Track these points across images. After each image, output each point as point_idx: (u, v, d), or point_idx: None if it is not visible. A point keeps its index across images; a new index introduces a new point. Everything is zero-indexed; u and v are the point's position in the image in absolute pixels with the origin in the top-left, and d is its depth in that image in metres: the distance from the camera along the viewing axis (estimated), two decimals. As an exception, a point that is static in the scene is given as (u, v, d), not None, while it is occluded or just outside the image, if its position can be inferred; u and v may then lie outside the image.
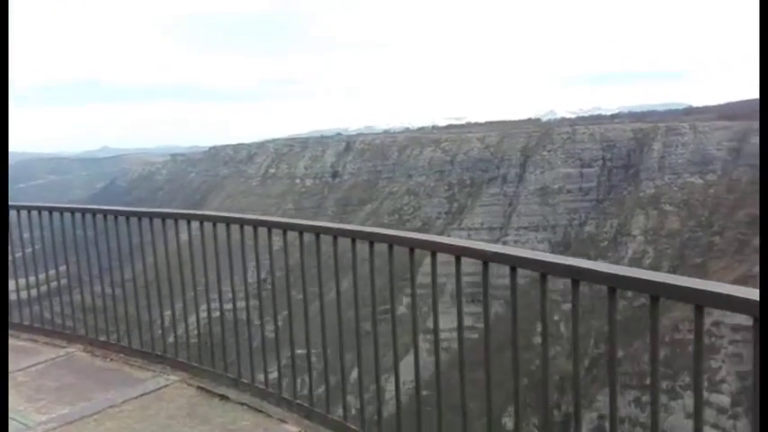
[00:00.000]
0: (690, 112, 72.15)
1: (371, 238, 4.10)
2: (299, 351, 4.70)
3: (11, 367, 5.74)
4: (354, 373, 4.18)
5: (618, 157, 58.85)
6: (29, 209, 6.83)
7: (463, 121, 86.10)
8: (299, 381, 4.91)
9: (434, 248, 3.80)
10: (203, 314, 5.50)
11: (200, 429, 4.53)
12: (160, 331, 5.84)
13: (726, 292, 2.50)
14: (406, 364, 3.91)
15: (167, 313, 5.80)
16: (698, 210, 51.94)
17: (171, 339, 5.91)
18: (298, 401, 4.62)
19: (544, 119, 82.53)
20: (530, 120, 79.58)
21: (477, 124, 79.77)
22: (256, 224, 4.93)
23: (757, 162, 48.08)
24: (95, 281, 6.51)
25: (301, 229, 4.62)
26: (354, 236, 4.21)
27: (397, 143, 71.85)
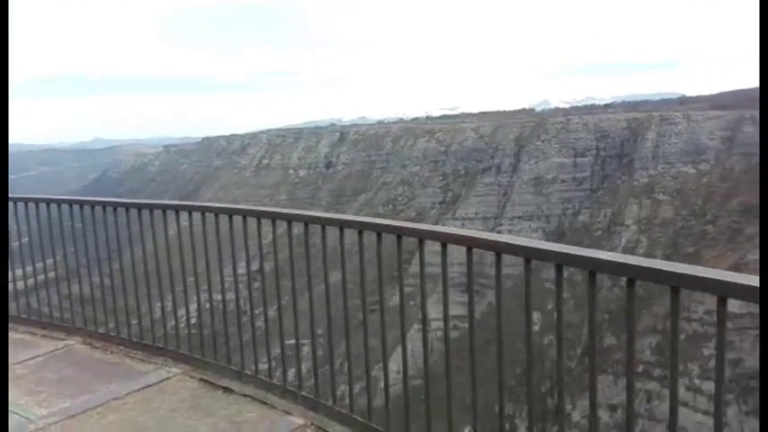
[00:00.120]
0: (683, 101, 72.30)
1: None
2: (302, 341, 4.68)
3: (9, 360, 5.68)
4: (360, 364, 4.15)
5: (611, 146, 58.96)
6: (23, 200, 6.75)
7: (457, 112, 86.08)
8: (303, 372, 4.86)
9: (423, 236, 3.83)
10: (203, 305, 5.47)
11: (204, 422, 4.48)
12: (160, 323, 5.79)
13: (698, 274, 2.58)
14: (409, 354, 3.93)
15: (168, 304, 5.75)
16: (691, 199, 52.20)
17: (170, 331, 5.86)
18: (303, 393, 4.58)
19: (538, 109, 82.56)
20: (523, 110, 79.59)
21: (470, 114, 79.69)
22: (246, 214, 4.93)
23: (750, 151, 48.42)
24: (88, 272, 6.50)
25: (290, 219, 4.63)
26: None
27: (391, 133, 71.68)
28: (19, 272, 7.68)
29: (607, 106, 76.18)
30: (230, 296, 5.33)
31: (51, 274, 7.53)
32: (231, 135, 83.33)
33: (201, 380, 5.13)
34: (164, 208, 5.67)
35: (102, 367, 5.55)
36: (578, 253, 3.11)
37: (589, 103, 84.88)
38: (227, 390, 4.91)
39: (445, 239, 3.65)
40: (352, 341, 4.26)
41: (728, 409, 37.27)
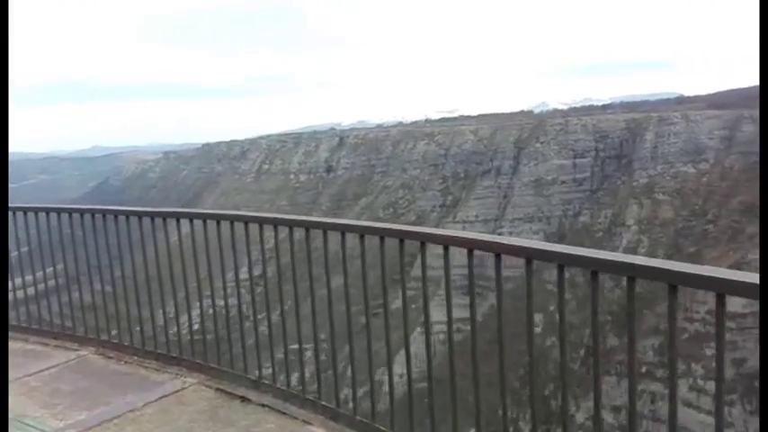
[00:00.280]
0: (681, 101, 72.37)
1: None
2: (305, 346, 4.65)
3: (22, 372, 5.65)
4: (378, 371, 4.12)
5: (611, 147, 58.98)
6: (23, 210, 6.72)
7: (456, 114, 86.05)
8: (320, 380, 4.82)
9: (424, 239, 3.88)
10: (206, 311, 5.46)
11: (224, 433, 4.44)
12: (174, 332, 5.76)
13: (695, 272, 2.67)
14: (421, 358, 3.91)
15: (171, 311, 5.73)
16: (691, 198, 52.20)
17: (184, 338, 5.80)
18: (323, 402, 4.53)
19: (536, 111, 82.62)
20: (522, 112, 79.55)
21: (469, 117, 79.65)
22: (247, 220, 4.94)
23: (749, 149, 48.43)
24: (92, 280, 6.48)
25: (292, 224, 4.64)
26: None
27: (391, 137, 71.69)
28: (25, 279, 7.67)
29: (605, 107, 76.24)
30: (233, 302, 5.34)
31: (52, 283, 7.52)
32: (231, 141, 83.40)
33: (218, 389, 5.09)
34: (164, 216, 5.69)
35: (117, 378, 5.50)
36: (579, 253, 3.16)
37: (587, 104, 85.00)
38: (244, 399, 4.87)
39: (446, 242, 3.69)
40: (364, 347, 4.25)
41: (733, 409, 37.15)
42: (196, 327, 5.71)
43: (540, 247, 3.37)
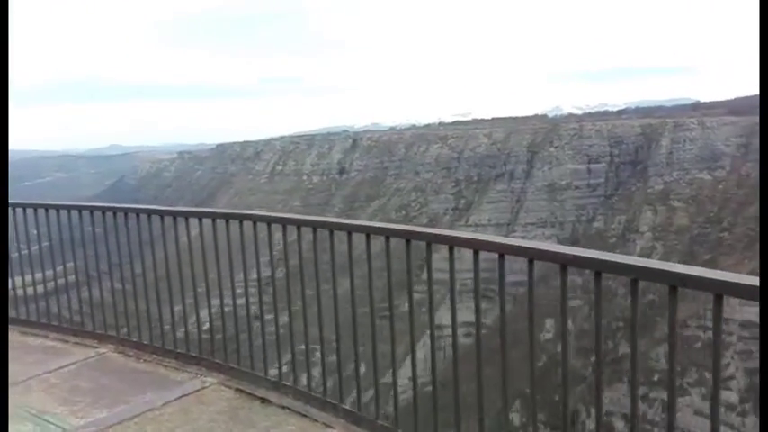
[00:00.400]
0: (697, 107, 71.68)
1: (386, 233, 4.17)
2: (313, 346, 4.60)
3: (42, 368, 5.66)
4: (404, 375, 4.08)
5: (625, 152, 58.58)
6: (40, 207, 6.75)
7: (469, 118, 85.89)
8: (328, 379, 4.78)
9: (428, 240, 3.93)
10: (217, 310, 5.45)
11: (244, 434, 4.41)
12: (194, 331, 5.74)
13: (695, 273, 2.77)
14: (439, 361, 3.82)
15: (186, 308, 5.71)
16: (707, 206, 51.69)
17: (203, 338, 5.79)
18: (344, 406, 4.49)
19: (551, 115, 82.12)
20: (536, 116, 79.15)
21: (483, 120, 79.47)
22: (270, 221, 4.95)
23: (768, 158, 47.97)
24: (111, 278, 6.50)
25: (315, 225, 4.66)
26: (369, 231, 4.26)
27: (404, 140, 71.66)
28: (46, 275, 7.72)
29: (620, 112, 75.85)
30: (252, 300, 5.33)
31: (70, 279, 7.56)
32: (245, 141, 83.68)
33: (237, 390, 5.06)
34: (179, 215, 5.71)
35: (136, 376, 5.49)
36: (581, 254, 3.25)
37: (602, 108, 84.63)
38: (264, 401, 4.83)
39: (451, 243, 3.77)
40: (383, 349, 4.22)
41: (746, 419, 36.73)
42: (206, 326, 5.70)
43: (541, 248, 3.47)
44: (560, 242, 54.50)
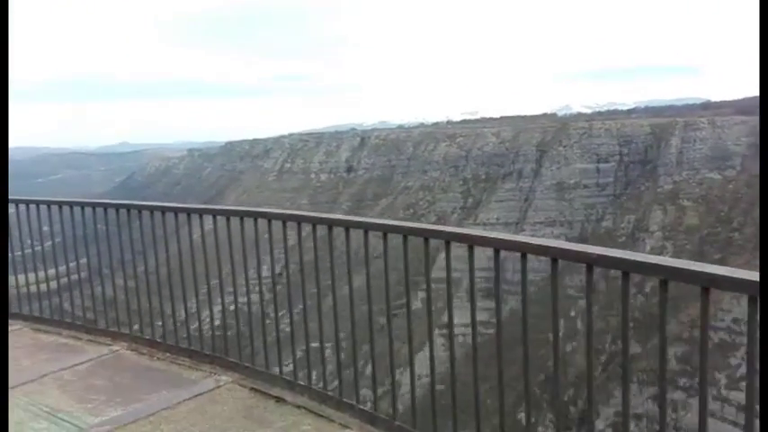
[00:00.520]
0: (708, 106, 71.18)
1: (386, 230, 4.19)
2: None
3: (57, 365, 5.65)
4: (423, 375, 4.03)
5: (635, 152, 58.27)
6: (49, 203, 6.75)
7: (478, 116, 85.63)
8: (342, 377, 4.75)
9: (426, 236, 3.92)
10: (228, 307, 5.44)
11: (260, 433, 4.38)
12: (207, 328, 5.71)
13: (685, 267, 2.83)
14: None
15: (210, 312, 5.68)
16: (717, 205, 51.34)
17: (217, 337, 5.77)
18: (360, 406, 4.44)
19: (560, 113, 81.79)
20: (545, 114, 78.86)
21: (491, 119, 79.28)
22: (268, 217, 4.96)
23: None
24: (116, 274, 6.52)
25: (315, 222, 4.67)
26: (368, 227, 4.28)
27: (412, 138, 71.56)
28: (58, 270, 7.73)
29: (630, 111, 75.45)
30: (267, 298, 5.33)
31: (80, 275, 7.56)
32: (254, 139, 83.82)
33: (252, 389, 5.02)
34: (188, 211, 5.70)
35: (151, 374, 5.47)
36: (573, 248, 3.34)
37: (612, 108, 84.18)
38: (279, 400, 4.80)
39: (447, 238, 3.80)
40: (396, 348, 4.19)
41: (758, 421, 36.44)
42: (217, 323, 5.68)
43: (534, 243, 3.53)
44: (569, 241, 54.36)
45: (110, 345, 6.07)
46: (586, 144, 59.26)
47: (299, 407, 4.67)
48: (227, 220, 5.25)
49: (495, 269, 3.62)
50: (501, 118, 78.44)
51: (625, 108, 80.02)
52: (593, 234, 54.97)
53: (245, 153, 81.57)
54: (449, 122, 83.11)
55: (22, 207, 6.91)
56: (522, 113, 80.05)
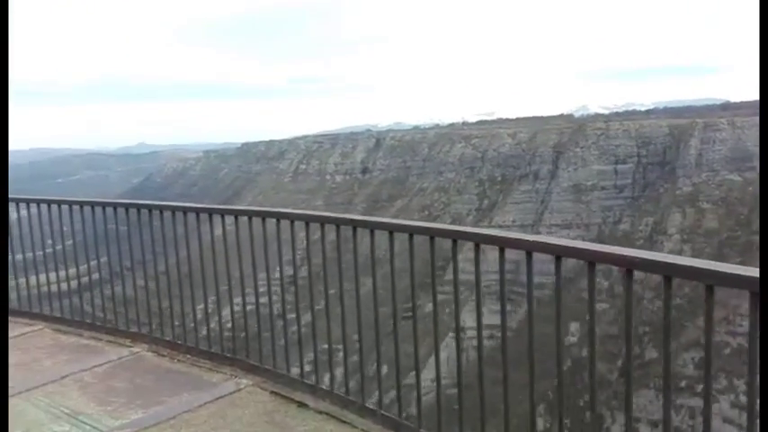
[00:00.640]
0: (727, 107, 70.24)
1: (410, 231, 4.13)
2: (335, 347, 4.48)
3: (78, 367, 5.63)
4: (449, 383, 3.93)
5: (653, 153, 57.68)
6: (70, 203, 6.77)
7: (494, 117, 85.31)
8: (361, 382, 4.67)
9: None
10: (245, 307, 5.40)
11: (282, 439, 4.31)
12: (228, 331, 5.67)
13: (688, 264, 2.84)
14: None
15: (235, 310, 5.63)
16: (737, 208, 50.64)
17: (238, 339, 5.72)
18: (383, 412, 4.36)
19: (577, 114, 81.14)
20: (562, 115, 78.27)
21: (507, 120, 78.90)
22: (294, 218, 4.93)
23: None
24: (136, 274, 6.52)
25: (337, 222, 4.62)
26: (392, 228, 4.24)
27: (427, 139, 71.43)
28: (79, 269, 7.76)
29: (648, 112, 74.70)
30: (275, 298, 5.31)
31: (96, 276, 7.58)
32: (270, 141, 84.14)
33: (273, 392, 4.96)
34: (206, 212, 5.68)
35: (171, 377, 5.42)
36: (577, 246, 3.38)
37: (630, 108, 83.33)
38: (301, 405, 4.72)
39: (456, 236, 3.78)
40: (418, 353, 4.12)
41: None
42: (233, 323, 5.64)
43: (538, 241, 3.53)
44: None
45: (130, 346, 6.04)
46: (604, 145, 58.75)
47: (320, 412, 4.59)
48: (249, 219, 5.20)
49: (500, 268, 3.64)
50: (517, 119, 78.05)
51: (643, 109, 79.27)
52: (610, 236, 54.44)
53: (260, 154, 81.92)
54: (464, 123, 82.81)
55: (44, 207, 6.93)
56: (539, 114, 79.53)
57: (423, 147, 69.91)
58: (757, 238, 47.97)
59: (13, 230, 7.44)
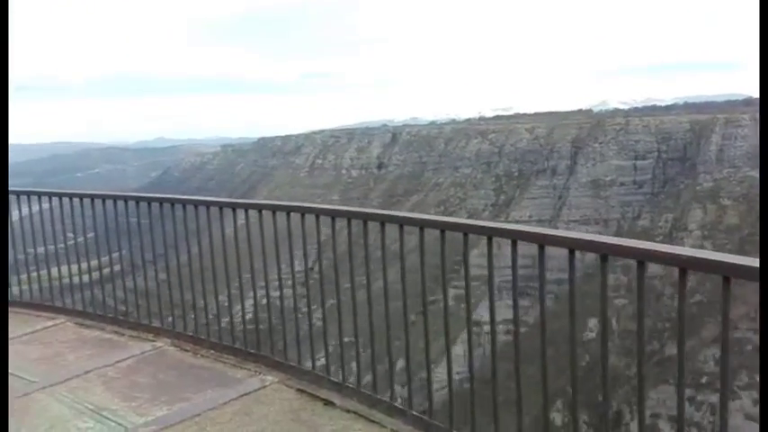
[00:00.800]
0: (750, 102, 68.90)
1: (422, 224, 4.13)
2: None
3: (101, 362, 5.57)
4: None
5: (674, 149, 56.95)
6: (92, 197, 6.75)
7: (511, 112, 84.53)
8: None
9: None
10: (259, 301, 5.33)
11: (310, 438, 4.20)
12: (252, 325, 5.57)
13: (703, 256, 2.82)
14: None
15: (259, 305, 5.54)
16: (758, 204, 49.81)
17: (262, 334, 5.62)
18: (413, 412, 4.23)
19: (595, 109, 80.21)
20: (580, 111, 77.48)
21: (525, 115, 78.18)
22: (304, 211, 4.92)
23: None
24: (150, 267, 6.53)
25: (349, 216, 4.60)
26: (403, 222, 4.21)
27: (444, 134, 71.12)
28: (85, 264, 7.75)
29: (669, 107, 73.56)
30: (290, 293, 5.27)
31: (118, 266, 7.56)
32: (286, 135, 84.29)
33: (299, 390, 4.84)
34: (222, 205, 5.64)
35: (195, 372, 5.34)
36: (589, 238, 3.37)
37: (650, 104, 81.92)
38: (327, 403, 4.61)
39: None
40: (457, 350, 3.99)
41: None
42: (255, 317, 5.56)
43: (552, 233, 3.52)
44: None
45: (153, 341, 5.97)
46: (623, 141, 58.09)
47: (348, 411, 4.47)
48: (273, 214, 5.11)
49: (512, 261, 3.63)
50: (535, 114, 77.33)
51: (663, 104, 77.99)
52: (629, 232, 53.86)
53: (277, 149, 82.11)
54: (481, 118, 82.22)
55: (65, 200, 6.90)
56: (557, 110, 78.72)
57: (439, 142, 69.62)
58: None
59: (34, 223, 7.43)
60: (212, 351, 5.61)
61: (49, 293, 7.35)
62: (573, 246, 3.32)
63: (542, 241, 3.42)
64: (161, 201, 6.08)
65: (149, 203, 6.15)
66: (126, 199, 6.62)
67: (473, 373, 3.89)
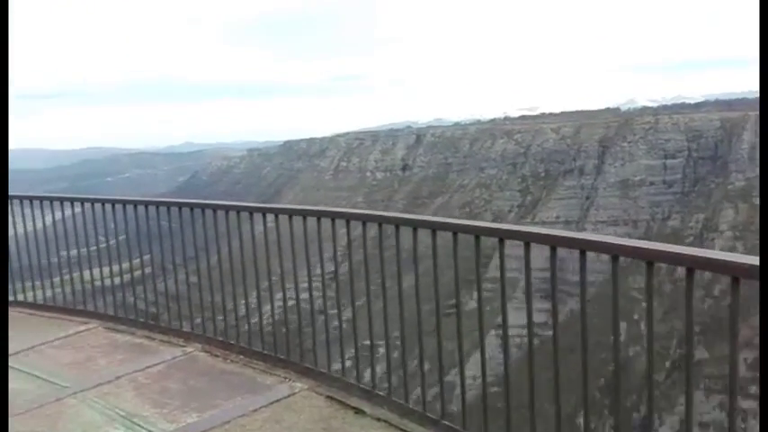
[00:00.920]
0: (784, 98, 67.29)
1: (455, 229, 4.08)
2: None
3: (132, 367, 5.59)
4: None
5: (704, 147, 55.79)
6: (124, 202, 6.88)
7: (537, 112, 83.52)
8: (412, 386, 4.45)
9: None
10: (287, 305, 5.29)
11: (341, 447, 4.14)
12: (282, 331, 5.53)
13: (711, 257, 2.83)
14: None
15: (288, 311, 5.50)
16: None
17: (292, 341, 5.58)
18: (445, 422, 4.13)
19: (623, 108, 78.81)
20: (608, 109, 76.23)
21: (551, 115, 77.17)
22: (334, 216, 4.89)
23: None
24: (179, 270, 6.58)
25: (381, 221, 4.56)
26: (435, 227, 4.19)
27: (468, 135, 70.71)
28: (117, 268, 7.82)
29: (699, 105, 72.00)
30: (319, 296, 5.27)
31: (149, 268, 7.62)
32: (311, 138, 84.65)
33: (328, 397, 4.79)
34: (249, 210, 5.66)
35: (225, 378, 5.32)
36: (600, 239, 3.41)
37: (679, 101, 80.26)
38: (358, 411, 4.54)
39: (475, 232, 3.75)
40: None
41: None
42: (277, 319, 5.54)
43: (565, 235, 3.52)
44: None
45: (183, 346, 5.97)
46: (652, 139, 57.11)
47: (378, 419, 4.40)
48: (304, 219, 5.07)
49: (525, 263, 3.59)
50: (561, 113, 76.29)
51: (693, 102, 76.39)
52: (658, 233, 52.92)
53: (302, 152, 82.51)
54: (506, 119, 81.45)
55: (98, 206, 6.98)
56: (584, 108, 77.62)
57: (464, 143, 69.24)
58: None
59: (68, 227, 7.53)
60: (242, 356, 5.59)
61: (82, 296, 7.43)
62: (584, 247, 3.33)
63: (553, 243, 3.43)
64: (191, 206, 6.10)
65: (180, 208, 6.17)
66: (158, 204, 6.67)
67: (508, 382, 3.76)
